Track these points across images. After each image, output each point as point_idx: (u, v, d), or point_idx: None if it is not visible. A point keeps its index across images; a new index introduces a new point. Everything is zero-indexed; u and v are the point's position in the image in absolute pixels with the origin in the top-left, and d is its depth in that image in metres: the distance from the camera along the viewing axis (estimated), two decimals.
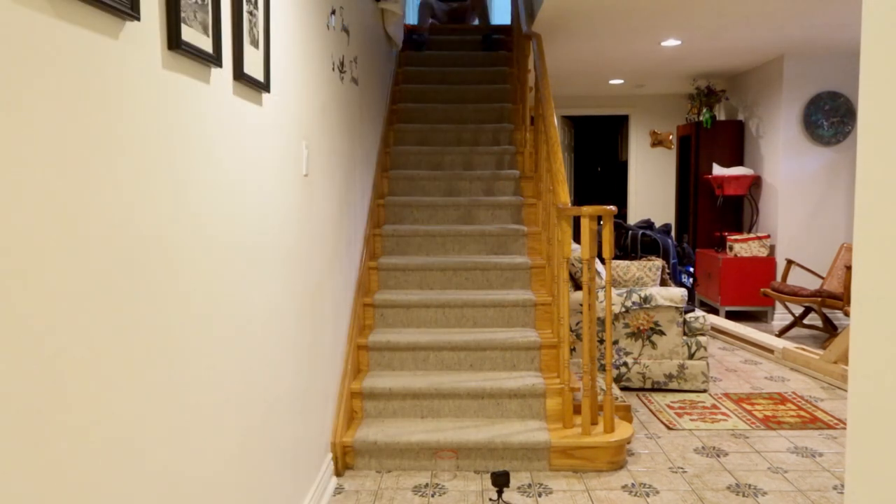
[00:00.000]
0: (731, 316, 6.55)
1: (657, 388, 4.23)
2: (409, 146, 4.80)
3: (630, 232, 6.10)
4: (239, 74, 1.82)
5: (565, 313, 3.25)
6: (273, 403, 2.18)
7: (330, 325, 3.02)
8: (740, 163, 6.97)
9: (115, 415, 1.24)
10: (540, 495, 2.86)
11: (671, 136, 8.25)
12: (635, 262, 5.04)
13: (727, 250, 6.46)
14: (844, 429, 3.61)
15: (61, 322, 1.08)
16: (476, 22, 6.38)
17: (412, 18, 7.70)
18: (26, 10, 1.00)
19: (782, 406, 3.97)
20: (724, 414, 3.83)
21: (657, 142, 8.28)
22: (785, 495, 2.85)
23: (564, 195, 3.34)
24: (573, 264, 4.15)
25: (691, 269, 6.79)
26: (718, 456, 3.26)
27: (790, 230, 6.30)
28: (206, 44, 1.59)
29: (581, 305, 3.78)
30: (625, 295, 4.20)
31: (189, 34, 1.50)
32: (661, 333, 4.19)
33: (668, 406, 3.96)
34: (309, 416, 2.65)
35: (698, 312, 4.24)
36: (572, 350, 4.28)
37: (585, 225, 3.09)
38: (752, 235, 6.35)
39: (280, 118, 2.24)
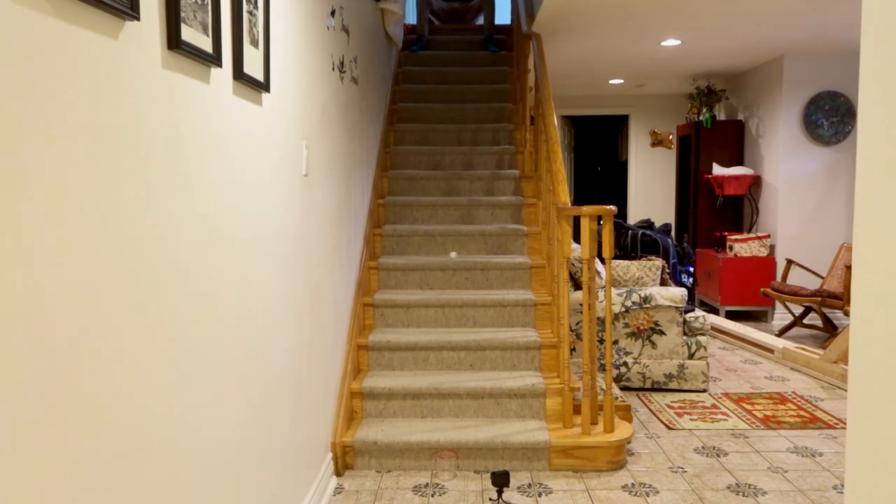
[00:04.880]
0: (731, 316, 6.55)
1: (657, 388, 4.23)
2: (408, 146, 4.80)
3: (630, 232, 6.09)
4: (239, 74, 1.82)
5: (565, 313, 3.25)
6: (273, 403, 2.18)
7: (330, 324, 3.01)
8: (740, 163, 6.97)
9: (113, 417, 1.24)
10: (540, 495, 2.86)
11: (671, 136, 8.25)
12: (635, 262, 5.04)
13: (727, 250, 6.46)
14: (844, 429, 3.61)
15: (63, 314, 1.08)
16: (480, 21, 6.33)
17: (412, 18, 7.70)
18: (26, 10, 1.00)
19: (782, 406, 3.97)
20: (724, 414, 3.83)
21: (657, 142, 8.28)
22: (785, 495, 2.85)
23: (564, 195, 3.34)
24: (573, 264, 4.15)
25: (691, 269, 6.79)
26: (718, 456, 3.26)
27: (790, 230, 6.30)
28: (205, 44, 1.59)
29: (581, 305, 3.78)
30: (625, 295, 4.20)
31: (189, 34, 1.50)
32: (661, 333, 4.19)
33: (668, 406, 3.96)
34: (309, 416, 2.65)
35: (698, 312, 4.24)
36: (572, 350, 4.28)
37: (585, 225, 3.09)
38: (752, 235, 6.35)
39: (280, 118, 2.24)
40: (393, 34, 4.95)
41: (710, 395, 4.17)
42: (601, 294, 4.19)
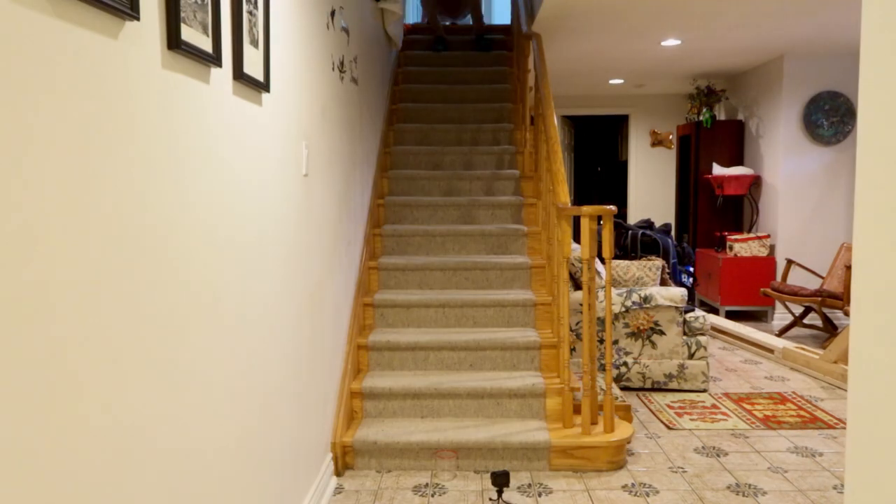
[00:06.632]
0: (731, 316, 6.55)
1: (657, 388, 4.23)
2: (409, 146, 4.80)
3: (630, 232, 6.10)
4: (239, 74, 1.82)
5: (565, 313, 3.25)
6: (272, 403, 2.18)
7: (330, 324, 3.01)
8: (740, 162, 6.97)
9: (113, 417, 1.24)
10: (540, 495, 2.86)
11: (671, 136, 8.25)
12: (635, 262, 5.04)
13: (727, 250, 6.46)
14: (844, 429, 3.61)
15: (63, 316, 1.08)
16: (469, 19, 6.22)
17: (412, 18, 7.69)
18: (26, 10, 1.00)
19: (782, 406, 3.97)
20: (724, 414, 3.83)
21: (657, 141, 8.28)
22: (785, 495, 2.85)
23: (564, 195, 3.34)
24: (573, 264, 4.15)
25: (691, 269, 6.79)
26: (718, 456, 3.26)
27: (790, 230, 6.30)
28: (205, 44, 1.59)
29: (581, 305, 3.78)
30: (625, 295, 4.20)
31: (189, 34, 1.49)
32: (661, 333, 4.19)
33: (668, 406, 3.96)
34: (309, 416, 2.65)
35: (698, 312, 4.24)
36: (572, 350, 4.28)
37: (585, 225, 3.09)
38: (752, 235, 6.35)
39: (280, 118, 2.24)
40: (393, 34, 4.95)
41: (710, 395, 4.17)
42: (601, 294, 4.19)
